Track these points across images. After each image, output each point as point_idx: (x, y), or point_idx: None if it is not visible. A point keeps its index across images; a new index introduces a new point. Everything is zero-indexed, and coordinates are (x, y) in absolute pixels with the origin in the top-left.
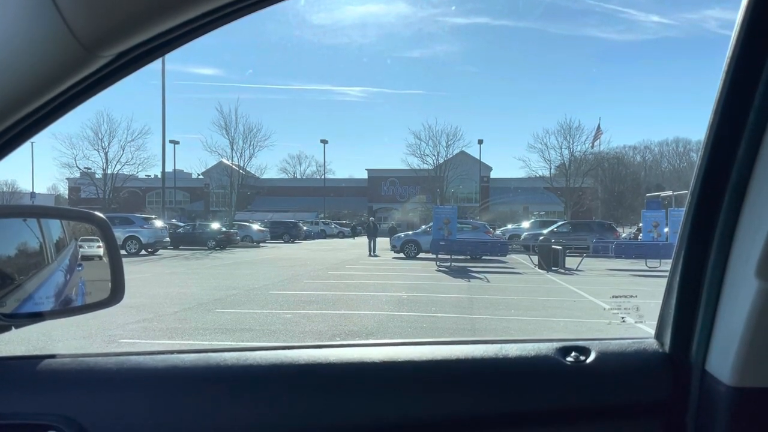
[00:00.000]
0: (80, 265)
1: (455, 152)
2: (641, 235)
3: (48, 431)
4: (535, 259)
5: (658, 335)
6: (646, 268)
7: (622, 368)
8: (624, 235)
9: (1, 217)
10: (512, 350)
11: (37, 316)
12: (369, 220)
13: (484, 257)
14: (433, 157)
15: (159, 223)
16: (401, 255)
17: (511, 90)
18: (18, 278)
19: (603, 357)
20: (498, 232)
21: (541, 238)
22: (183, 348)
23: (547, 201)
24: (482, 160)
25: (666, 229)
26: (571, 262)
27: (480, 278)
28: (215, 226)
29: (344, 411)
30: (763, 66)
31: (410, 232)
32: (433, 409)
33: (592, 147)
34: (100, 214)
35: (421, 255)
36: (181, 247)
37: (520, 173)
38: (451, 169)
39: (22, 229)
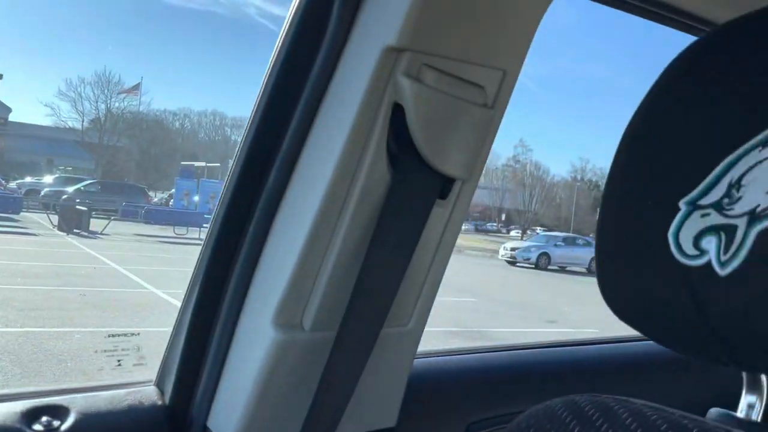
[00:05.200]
0: None
1: None
2: (172, 201)
3: None
4: (56, 219)
5: (160, 382)
6: (174, 235)
7: (112, 427)
8: (156, 200)
9: None
10: None
11: None
12: None
13: None
14: None
15: None
16: None
17: (42, 24)
18: None
19: (85, 417)
20: (13, 185)
21: (65, 196)
22: None
23: (76, 155)
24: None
25: (196, 198)
26: (97, 224)
27: None
28: None
29: None
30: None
31: None
32: None
33: (121, 97)
34: None
35: None
36: None
37: (47, 121)
38: None
39: None
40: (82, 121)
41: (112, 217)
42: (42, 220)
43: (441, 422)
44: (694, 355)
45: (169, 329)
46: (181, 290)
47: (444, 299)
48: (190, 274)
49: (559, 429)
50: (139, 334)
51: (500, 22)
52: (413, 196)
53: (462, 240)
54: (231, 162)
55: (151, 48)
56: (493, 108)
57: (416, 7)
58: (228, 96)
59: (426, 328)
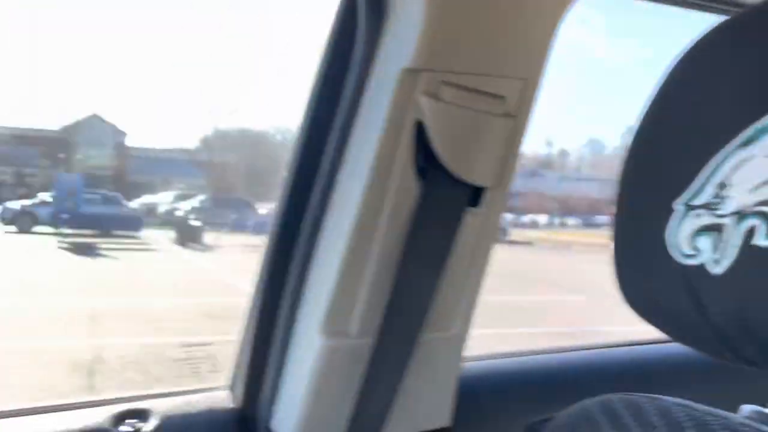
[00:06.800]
0: None
1: (87, 114)
2: None
3: None
4: (173, 234)
5: (232, 386)
6: None
7: (188, 428)
8: (262, 212)
9: None
10: (53, 426)
11: None
12: None
13: (115, 232)
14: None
15: None
16: (12, 228)
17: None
18: None
19: (166, 419)
20: (134, 204)
21: (180, 213)
22: None
23: (189, 174)
24: (118, 124)
25: None
26: (209, 237)
27: (108, 256)
28: None
29: None
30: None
31: (28, 202)
32: None
33: (228, 118)
34: None
35: (39, 229)
36: None
37: (162, 143)
38: (81, 132)
39: None
40: (194, 141)
41: (223, 230)
42: (160, 236)
43: (499, 424)
44: (703, 352)
45: None
46: None
47: (550, 298)
48: None
49: (592, 428)
50: (212, 344)
51: (517, 32)
52: (442, 207)
53: (569, 236)
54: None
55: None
56: (516, 116)
57: (429, 30)
58: None
59: (532, 330)
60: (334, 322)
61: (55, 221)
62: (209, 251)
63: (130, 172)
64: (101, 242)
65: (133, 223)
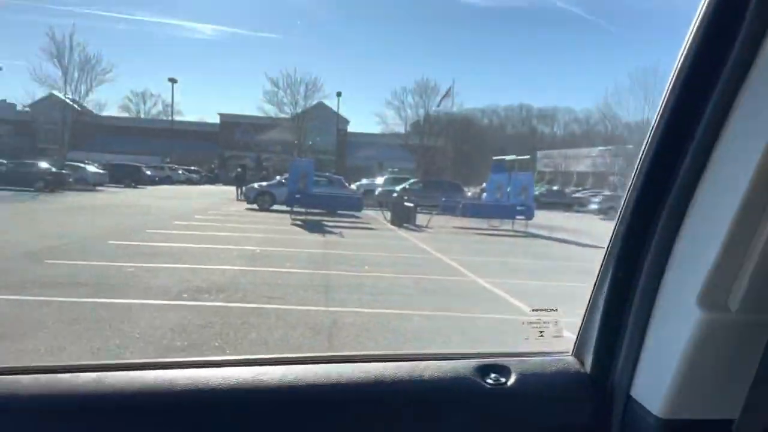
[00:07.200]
0: None
1: (313, 103)
2: (485, 195)
3: None
4: (388, 214)
5: (578, 353)
6: (488, 227)
7: (542, 389)
8: (469, 194)
9: None
10: (428, 370)
11: None
12: (237, 169)
13: (338, 212)
14: (291, 107)
15: None
16: (254, 206)
17: (371, 44)
18: None
19: (523, 377)
20: (353, 186)
21: (395, 194)
22: None
23: (401, 158)
24: (340, 113)
25: (508, 189)
26: (421, 218)
27: (335, 233)
28: (43, 165)
29: None
30: (718, 74)
31: (264, 183)
32: None
33: (438, 105)
34: None
35: (276, 207)
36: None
37: (377, 129)
38: (309, 120)
39: None
40: (405, 126)
41: (434, 212)
42: (377, 216)
43: None
44: None
45: (496, 315)
46: (499, 279)
47: None
48: (505, 265)
49: None
50: (557, 309)
51: None
52: None
53: None
54: (642, 149)
55: (460, 47)
56: None
57: None
58: (532, 87)
59: None
60: (713, 295)
61: (289, 200)
62: (422, 231)
63: (350, 156)
64: (327, 220)
65: (354, 203)
